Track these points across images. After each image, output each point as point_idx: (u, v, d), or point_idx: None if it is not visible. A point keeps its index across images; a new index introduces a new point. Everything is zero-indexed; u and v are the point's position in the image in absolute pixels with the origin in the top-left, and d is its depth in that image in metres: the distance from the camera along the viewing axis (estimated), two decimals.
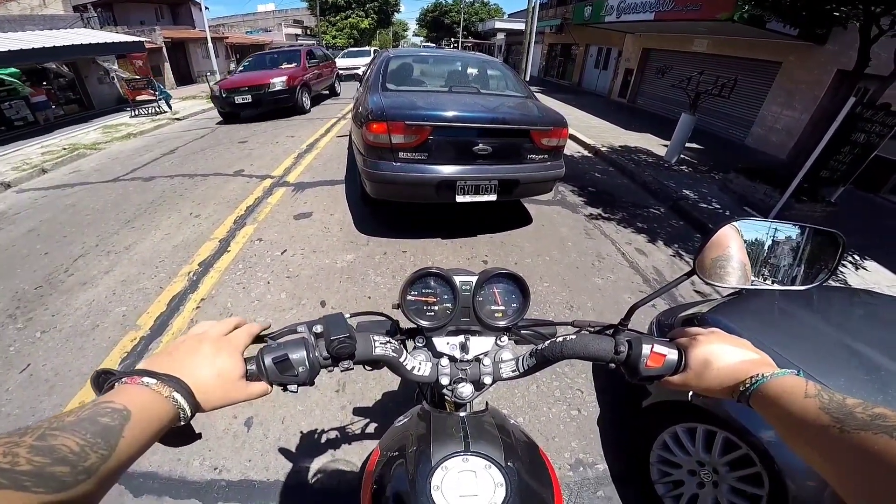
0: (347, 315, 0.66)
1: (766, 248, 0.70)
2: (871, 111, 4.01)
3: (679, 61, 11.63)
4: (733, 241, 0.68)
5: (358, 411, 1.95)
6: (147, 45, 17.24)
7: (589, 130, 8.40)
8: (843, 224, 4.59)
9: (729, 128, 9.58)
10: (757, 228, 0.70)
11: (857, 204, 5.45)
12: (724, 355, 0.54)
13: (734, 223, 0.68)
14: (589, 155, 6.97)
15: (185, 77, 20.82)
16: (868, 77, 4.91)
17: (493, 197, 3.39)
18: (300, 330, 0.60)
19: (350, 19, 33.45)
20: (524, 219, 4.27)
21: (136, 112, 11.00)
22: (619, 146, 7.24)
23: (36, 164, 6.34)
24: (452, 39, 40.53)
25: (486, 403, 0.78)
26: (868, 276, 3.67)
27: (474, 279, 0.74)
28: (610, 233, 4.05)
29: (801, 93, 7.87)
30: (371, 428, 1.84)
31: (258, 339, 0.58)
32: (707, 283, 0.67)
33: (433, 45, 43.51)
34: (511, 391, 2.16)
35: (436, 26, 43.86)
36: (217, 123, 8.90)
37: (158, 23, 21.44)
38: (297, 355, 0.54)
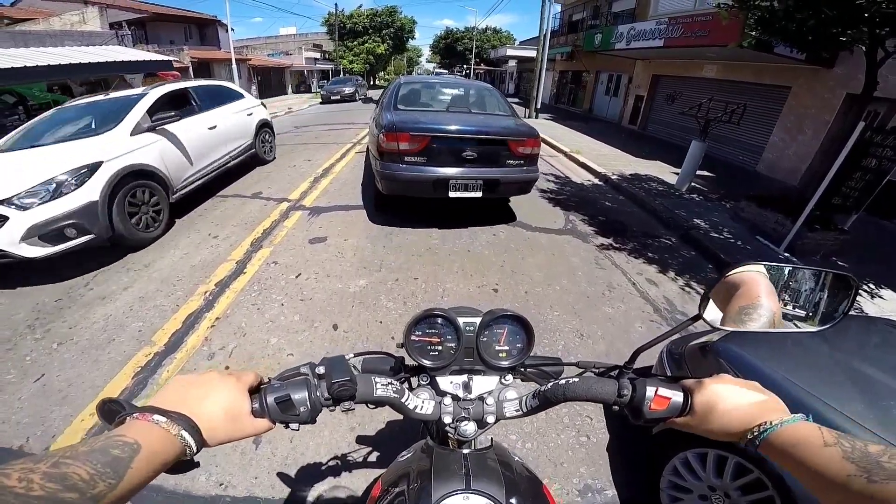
0: (351, 355, 0.69)
1: (779, 290, 0.69)
2: (882, 136, 4.00)
3: (689, 87, 11.78)
4: (762, 289, 0.66)
5: (361, 439, 1.95)
6: (174, 65, 18.08)
7: (599, 158, 8.50)
8: (856, 252, 4.56)
9: (740, 154, 9.61)
10: (773, 271, 0.69)
11: (870, 231, 5.40)
12: (731, 399, 0.54)
13: (756, 265, 0.66)
14: (599, 183, 7.03)
15: None
16: (877, 100, 4.91)
17: (479, 194, 4.23)
18: (303, 371, 0.61)
19: (367, 45, 34.61)
20: (508, 216, 5.09)
21: None
22: (630, 174, 7.30)
23: None
24: (465, 66, 41.56)
25: (491, 440, 0.78)
26: (885, 304, 3.63)
27: (478, 320, 0.75)
28: (621, 263, 4.07)
29: (810, 117, 7.91)
30: (374, 457, 1.84)
31: (261, 383, 0.60)
32: (718, 328, 0.66)
33: (445, 71, 44.69)
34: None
35: (448, 53, 45.09)
36: None
37: (187, 42, 22.49)
38: (299, 395, 0.56)
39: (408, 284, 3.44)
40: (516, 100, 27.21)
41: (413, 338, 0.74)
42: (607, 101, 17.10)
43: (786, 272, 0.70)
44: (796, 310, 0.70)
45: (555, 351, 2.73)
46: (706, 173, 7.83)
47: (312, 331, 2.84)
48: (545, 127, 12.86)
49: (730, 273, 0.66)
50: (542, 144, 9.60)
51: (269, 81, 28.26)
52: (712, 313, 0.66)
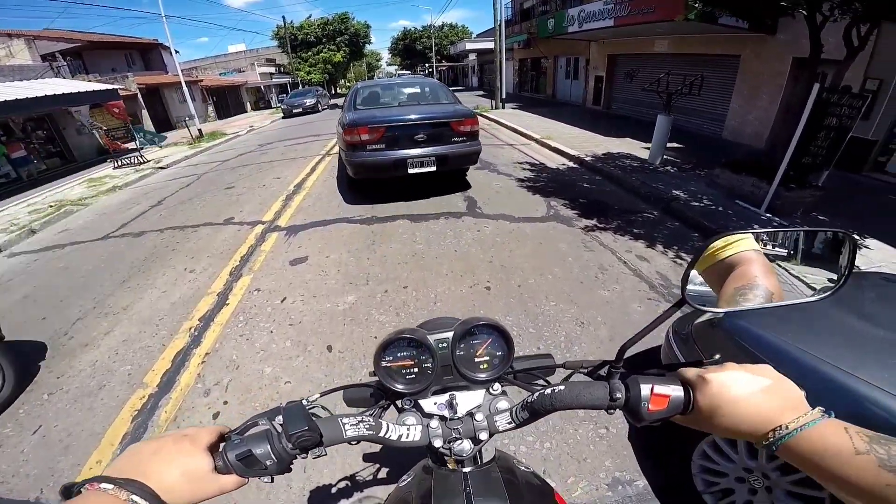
0: (316, 395, 0.64)
1: (773, 258, 0.64)
2: (837, 95, 4.16)
3: (644, 64, 12.03)
4: (758, 268, 0.61)
5: (369, 457, 1.90)
6: (121, 93, 17.31)
7: (570, 141, 8.54)
8: (833, 206, 4.69)
9: (704, 124, 9.83)
10: (763, 238, 0.63)
11: (843, 185, 5.57)
12: (740, 397, 0.47)
13: (743, 238, 0.61)
14: (574, 166, 7.06)
15: (163, 123, 20.80)
16: (826, 62, 5.09)
17: (433, 168, 5.05)
18: (262, 423, 0.57)
19: (322, 54, 34.02)
20: (462, 185, 5.99)
21: (119, 163, 10.94)
22: (602, 154, 7.36)
23: (24, 224, 6.32)
24: (427, 65, 41.38)
25: (494, 452, 0.72)
26: (873, 255, 3.69)
27: (451, 334, 0.70)
28: (608, 243, 4.06)
29: (764, 83, 8.14)
30: (384, 472, 1.79)
31: (222, 437, 0.56)
32: (704, 310, 0.61)
33: (408, 72, 44.33)
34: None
35: (408, 53, 44.73)
36: (203, 172, 8.85)
37: (130, 69, 21.46)
38: (261, 450, 0.53)
39: (398, 294, 3.34)
40: (481, 92, 27.22)
41: (384, 364, 0.69)
42: (569, 84, 17.28)
43: (779, 237, 0.64)
44: (793, 277, 0.65)
45: (557, 343, 2.68)
46: (676, 145, 7.96)
47: (307, 355, 2.73)
48: (513, 116, 12.92)
49: (710, 246, 0.61)
50: (515, 134, 9.80)
51: (226, 101, 27.42)
52: (697, 296, 0.62)
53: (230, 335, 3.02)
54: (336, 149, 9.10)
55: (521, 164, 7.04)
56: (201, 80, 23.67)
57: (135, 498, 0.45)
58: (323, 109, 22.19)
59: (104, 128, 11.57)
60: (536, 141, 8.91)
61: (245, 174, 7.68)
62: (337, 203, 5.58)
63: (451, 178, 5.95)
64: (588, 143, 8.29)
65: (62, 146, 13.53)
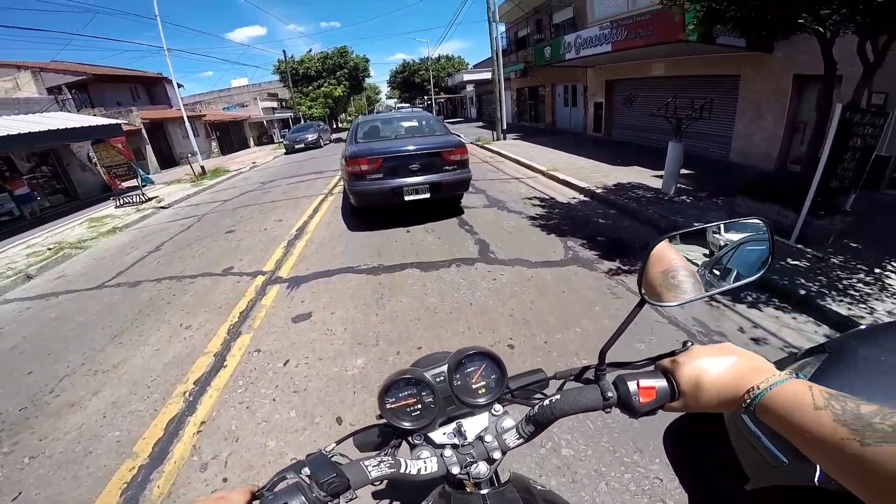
0: (332, 445, 0.68)
1: (704, 253, 0.73)
2: (860, 115, 4.02)
3: (643, 88, 12.10)
4: (672, 254, 0.68)
5: (377, 494, 1.76)
6: (126, 128, 17.42)
7: (578, 172, 8.41)
8: (866, 229, 4.44)
9: (710, 147, 9.72)
10: (689, 238, 0.71)
11: (865, 205, 5.33)
12: (712, 370, 0.54)
13: (663, 238, 0.68)
14: (586, 199, 6.85)
15: (167, 159, 20.97)
16: (820, 79, 4.97)
17: (427, 195, 5.47)
18: (289, 476, 0.58)
19: (323, 88, 34.78)
20: (456, 211, 6.37)
21: (122, 202, 10.85)
22: (613, 185, 7.19)
23: (21, 268, 6.24)
24: (426, 97, 42.27)
25: (510, 473, 0.76)
26: None
27: (445, 367, 0.75)
28: (632, 284, 3.80)
29: (766, 102, 8.07)
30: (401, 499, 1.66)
31: (253, 497, 0.57)
32: (661, 306, 0.67)
33: (407, 105, 45.28)
34: (575, 491, 1.88)
35: (407, 86, 45.76)
36: (204, 213, 8.70)
37: (135, 103, 21.76)
38: (297, 502, 0.54)
39: (411, 356, 3.03)
40: (480, 123, 27.64)
41: (389, 406, 0.72)
42: (568, 112, 17.43)
43: (705, 236, 0.72)
44: (726, 266, 0.70)
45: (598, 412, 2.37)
46: (685, 171, 7.78)
47: (314, 428, 2.45)
48: (515, 147, 12.89)
49: (650, 250, 0.67)
50: (520, 166, 9.70)
51: (230, 136, 27.87)
52: (653, 297, 0.67)
53: (229, 402, 2.75)
54: (339, 188, 9.02)
55: (530, 199, 6.84)
56: (204, 115, 24.09)
57: None
58: (325, 144, 22.37)
59: (106, 164, 11.49)
60: (543, 173, 8.77)
61: (246, 216, 7.50)
62: (341, 249, 5.31)
63: (444, 205, 6.25)
64: (596, 174, 8.14)
65: (66, 182, 13.53)
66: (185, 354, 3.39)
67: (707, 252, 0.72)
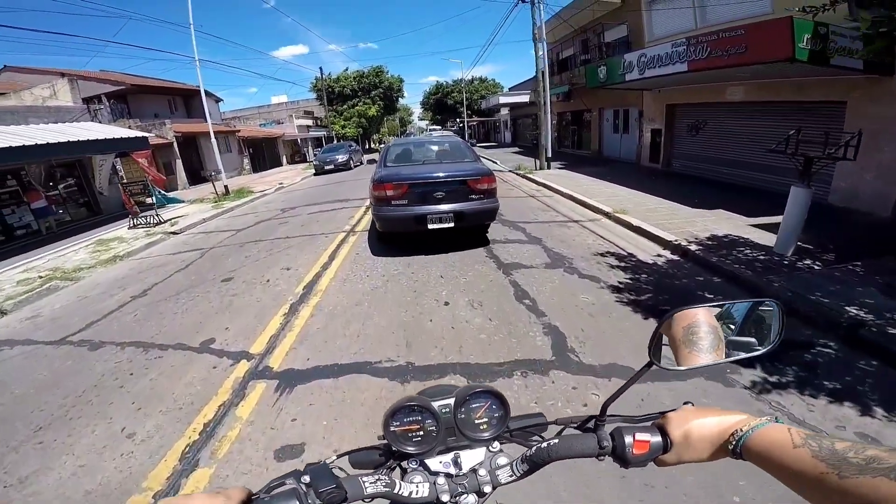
0: (333, 457, 0.71)
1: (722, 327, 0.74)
2: None
3: (713, 114, 10.59)
4: (700, 312, 0.69)
5: None
6: (157, 141, 17.05)
7: (651, 215, 6.89)
8: None
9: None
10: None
11: None
12: (701, 423, 0.59)
13: (677, 311, 0.69)
14: (676, 258, 5.23)
15: (197, 175, 20.67)
16: None
17: (451, 224, 5.32)
18: (288, 482, 0.60)
19: (357, 107, 34.66)
20: (482, 241, 6.04)
21: (135, 222, 10.12)
22: (707, 237, 5.63)
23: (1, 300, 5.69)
24: (458, 120, 41.70)
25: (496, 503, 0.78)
26: None
27: (453, 400, 0.78)
28: (801, 413, 2.43)
29: (885, 132, 6.43)
30: None
31: (249, 497, 0.57)
32: (670, 370, 0.67)
33: (438, 127, 44.83)
34: None
35: (439, 108, 45.45)
36: (210, 246, 7.66)
37: (172, 115, 21.68)
38: None
39: None
40: (516, 148, 26.41)
41: (392, 429, 0.73)
42: (618, 139, 15.94)
43: (723, 310, 0.73)
44: (741, 337, 0.73)
45: None
46: (773, 218, 6.21)
47: None
48: (564, 179, 11.47)
49: (666, 318, 0.69)
50: (575, 204, 8.34)
51: (262, 153, 27.72)
52: (665, 361, 0.69)
53: None
54: (363, 223, 7.95)
55: (604, 256, 5.29)
56: (238, 131, 23.86)
57: None
58: (356, 166, 21.54)
59: (123, 182, 10.85)
60: (608, 216, 7.28)
61: (252, 256, 6.34)
62: (357, 328, 3.82)
63: (470, 234, 6.03)
64: (675, 219, 6.61)
65: (90, 196, 13.07)
66: (117, 484, 2.26)
67: (724, 324, 0.72)
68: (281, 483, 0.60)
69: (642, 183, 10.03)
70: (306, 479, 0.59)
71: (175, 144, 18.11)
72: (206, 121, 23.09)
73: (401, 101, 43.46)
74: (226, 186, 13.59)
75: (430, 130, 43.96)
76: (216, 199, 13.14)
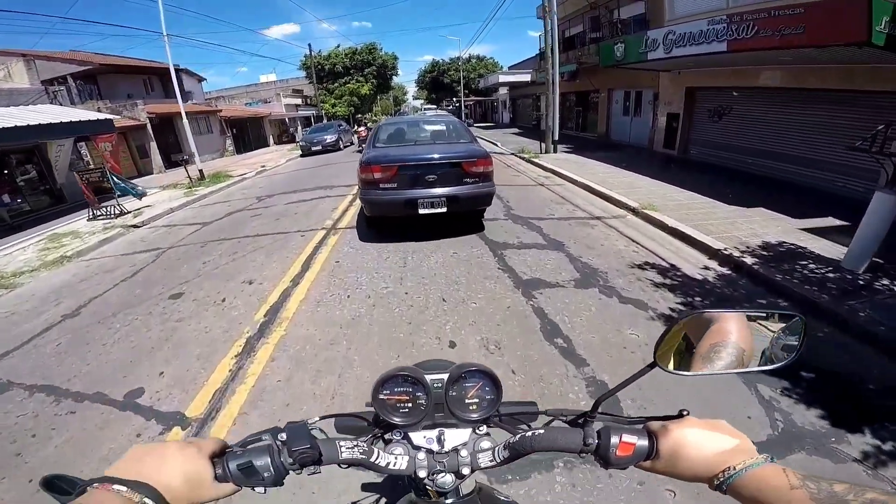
0: (316, 418, 0.68)
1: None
2: None
3: (740, 100, 9.59)
4: (734, 324, 0.67)
5: (367, 487, 1.61)
6: (127, 123, 15.69)
7: (686, 214, 5.90)
8: None
9: (845, 183, 7.09)
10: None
11: None
12: (696, 444, 0.55)
13: (690, 315, 0.69)
14: (728, 273, 4.25)
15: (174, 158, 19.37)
16: None
17: (443, 209, 5.04)
18: (265, 438, 0.60)
19: (349, 85, 32.94)
20: (476, 227, 5.74)
21: (94, 213, 9.02)
22: (759, 245, 4.69)
23: None
24: (454, 99, 39.97)
25: (476, 485, 0.78)
26: None
27: (446, 376, 0.75)
28: None
29: None
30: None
31: (224, 449, 0.58)
32: (675, 374, 0.66)
33: (434, 107, 43.01)
34: None
35: (435, 87, 43.56)
36: (168, 245, 6.59)
37: (149, 95, 20.21)
38: (262, 462, 0.56)
39: None
40: (516, 130, 25.12)
41: (382, 397, 0.73)
42: (628, 122, 14.86)
43: (750, 320, 0.71)
44: (764, 353, 0.69)
45: None
46: (835, 222, 5.33)
47: None
48: (573, 165, 10.41)
49: (686, 319, 0.68)
50: (593, 196, 7.43)
51: (247, 134, 26.18)
52: (670, 362, 0.67)
53: None
54: (348, 217, 6.95)
55: (642, 269, 4.31)
56: (219, 111, 22.31)
57: (147, 501, 0.46)
58: (345, 147, 20.20)
59: (79, 171, 9.69)
60: (635, 212, 6.31)
61: (212, 262, 5.29)
62: (330, 384, 2.78)
63: (465, 221, 5.69)
64: (714, 220, 5.66)
65: (51, 184, 11.92)
66: None
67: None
68: (258, 438, 0.60)
69: (662, 171, 9.06)
70: (283, 436, 0.59)
71: (149, 126, 16.72)
72: (188, 101, 21.54)
73: (395, 79, 41.62)
74: (200, 171, 12.41)
75: (425, 110, 42.15)
76: (190, 185, 12.00)
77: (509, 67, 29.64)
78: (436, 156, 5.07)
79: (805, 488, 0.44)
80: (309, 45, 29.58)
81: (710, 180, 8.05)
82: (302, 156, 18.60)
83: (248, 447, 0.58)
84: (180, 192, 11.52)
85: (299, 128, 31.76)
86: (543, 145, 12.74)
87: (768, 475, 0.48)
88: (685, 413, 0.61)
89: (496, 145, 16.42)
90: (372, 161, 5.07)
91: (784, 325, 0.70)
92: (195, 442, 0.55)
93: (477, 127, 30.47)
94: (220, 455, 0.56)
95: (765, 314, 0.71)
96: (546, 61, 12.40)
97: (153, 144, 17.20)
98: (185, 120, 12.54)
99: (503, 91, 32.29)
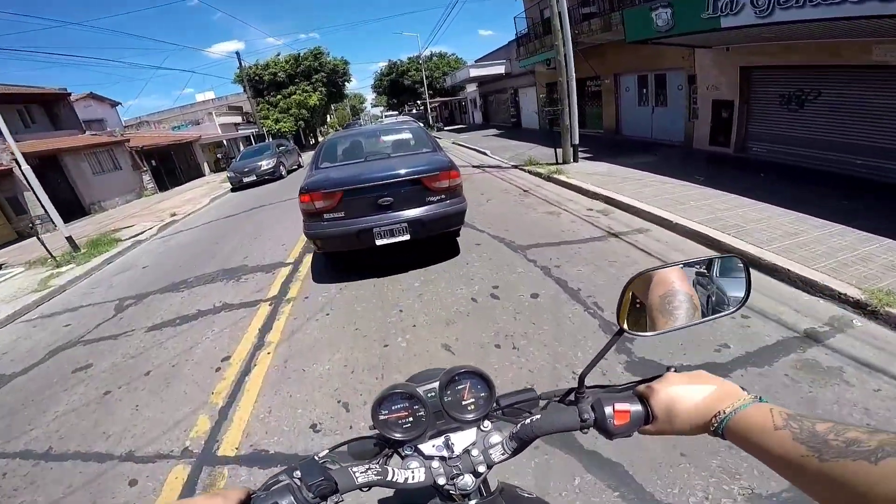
0: (325, 451, 0.71)
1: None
2: None
3: (830, 81, 6.83)
4: (675, 277, 0.70)
5: (384, 502, 1.23)
6: None
7: (813, 254, 2.67)
8: None
9: None
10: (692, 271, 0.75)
11: None
12: (685, 396, 0.56)
13: (643, 273, 0.70)
14: None
15: (72, 206, 14.85)
16: None
17: (406, 237, 4.24)
18: (282, 478, 0.61)
19: (295, 96, 28.81)
20: (452, 251, 4.89)
21: None
22: None
23: None
24: (418, 102, 36.40)
25: (498, 484, 0.79)
26: None
27: (437, 384, 0.76)
28: None
29: None
30: None
31: (248, 496, 0.58)
32: (639, 336, 0.69)
33: (395, 112, 39.06)
34: None
35: (395, 91, 39.71)
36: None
37: (28, 129, 15.68)
38: (286, 501, 0.57)
39: None
40: (494, 131, 21.70)
41: (382, 417, 0.74)
42: (646, 114, 11.80)
43: (693, 269, 0.75)
44: (710, 299, 0.73)
45: None
46: None
47: None
48: (621, 182, 6.87)
49: (633, 279, 0.70)
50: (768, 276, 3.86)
51: (173, 164, 21.65)
52: (634, 326, 0.71)
53: None
54: (296, 315, 3.89)
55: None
56: (126, 140, 17.76)
57: None
58: (290, 172, 16.11)
59: None
60: (866, 312, 2.86)
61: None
62: None
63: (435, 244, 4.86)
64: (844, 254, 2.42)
65: None
66: None
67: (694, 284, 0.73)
68: (276, 480, 0.62)
69: (755, 185, 5.86)
70: (298, 473, 0.61)
71: (19, 171, 12.28)
72: (84, 132, 16.94)
73: (349, 86, 37.66)
74: (70, 238, 8.37)
75: (385, 116, 38.26)
76: (57, 264, 8.02)
77: (476, 61, 26.30)
78: (389, 173, 4.25)
79: (789, 428, 0.44)
80: (237, 52, 25.29)
81: (823, 196, 4.97)
82: (233, 190, 14.41)
83: (270, 489, 0.59)
84: (46, 274, 7.59)
85: (241, 150, 27.37)
86: (560, 152, 9.38)
87: (754, 415, 0.49)
88: (669, 370, 0.63)
89: (485, 154, 13.00)
90: (311, 187, 4.25)
91: (724, 268, 0.74)
92: (221, 493, 0.56)
93: (448, 131, 27.01)
94: (245, 502, 0.57)
95: (700, 261, 0.76)
96: (555, 36, 9.03)
97: (31, 195, 12.75)
98: (24, 166, 8.39)
99: (472, 88, 28.99)
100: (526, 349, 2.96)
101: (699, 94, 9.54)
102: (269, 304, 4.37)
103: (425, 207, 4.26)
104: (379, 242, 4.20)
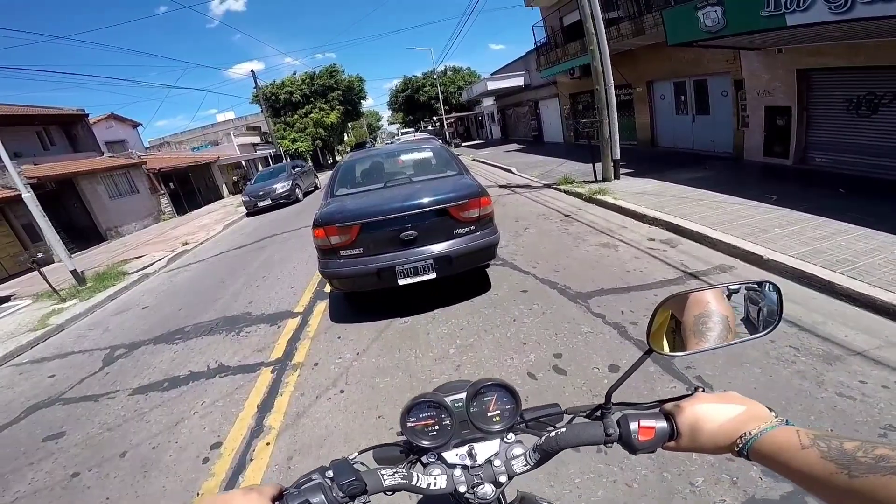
0: (355, 454, 0.71)
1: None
2: None
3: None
4: (712, 298, 0.70)
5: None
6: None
7: None
8: None
9: None
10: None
11: None
12: (712, 417, 0.56)
13: (673, 296, 0.71)
14: None
15: (88, 233, 14.69)
16: None
17: (432, 275, 3.74)
18: (314, 477, 0.62)
19: (313, 115, 28.80)
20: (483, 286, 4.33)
21: None
22: None
23: None
24: (434, 118, 36.10)
25: (517, 492, 0.81)
26: None
27: (464, 395, 0.78)
28: None
29: None
30: None
31: (281, 492, 0.60)
32: (667, 356, 0.66)
33: (412, 129, 38.80)
34: None
35: (410, 107, 39.61)
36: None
37: (48, 151, 15.66)
38: (317, 499, 0.58)
39: None
40: (515, 145, 21.03)
41: (409, 424, 0.75)
42: (686, 123, 10.91)
43: (728, 293, 0.74)
44: (742, 324, 0.72)
45: None
46: None
47: None
48: (681, 204, 5.99)
49: (666, 300, 0.70)
50: None
51: (191, 186, 21.59)
52: (664, 346, 0.71)
53: None
54: (310, 390, 2.94)
55: None
56: (144, 162, 17.64)
57: None
58: (307, 195, 15.55)
59: None
60: None
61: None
62: None
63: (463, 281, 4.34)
64: None
65: None
66: None
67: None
68: (308, 479, 0.62)
69: (842, 204, 4.91)
70: (330, 473, 0.62)
71: (29, 197, 12.08)
72: (102, 153, 16.88)
73: (365, 104, 37.70)
74: (75, 272, 7.94)
75: (402, 134, 38.02)
76: (62, 297, 7.58)
77: (492, 74, 25.82)
78: (411, 203, 3.72)
79: (816, 447, 0.44)
80: (252, 71, 25.41)
81: None
82: (248, 214, 13.92)
83: (303, 487, 0.60)
84: (49, 309, 7.15)
85: (260, 170, 27.36)
86: (599, 167, 8.55)
87: (782, 437, 0.49)
88: (697, 390, 0.63)
89: (511, 171, 12.27)
90: (325, 220, 3.78)
91: (759, 292, 0.73)
92: (255, 488, 0.57)
93: (466, 147, 26.46)
94: (279, 498, 0.59)
95: (738, 286, 0.74)
96: (589, 40, 8.16)
97: (42, 222, 12.55)
98: (25, 193, 8.07)
99: (488, 102, 28.49)
100: (616, 452, 2.15)
101: (749, 101, 8.66)
102: (272, 371, 3.61)
103: (452, 241, 3.80)
104: (402, 282, 3.76)
